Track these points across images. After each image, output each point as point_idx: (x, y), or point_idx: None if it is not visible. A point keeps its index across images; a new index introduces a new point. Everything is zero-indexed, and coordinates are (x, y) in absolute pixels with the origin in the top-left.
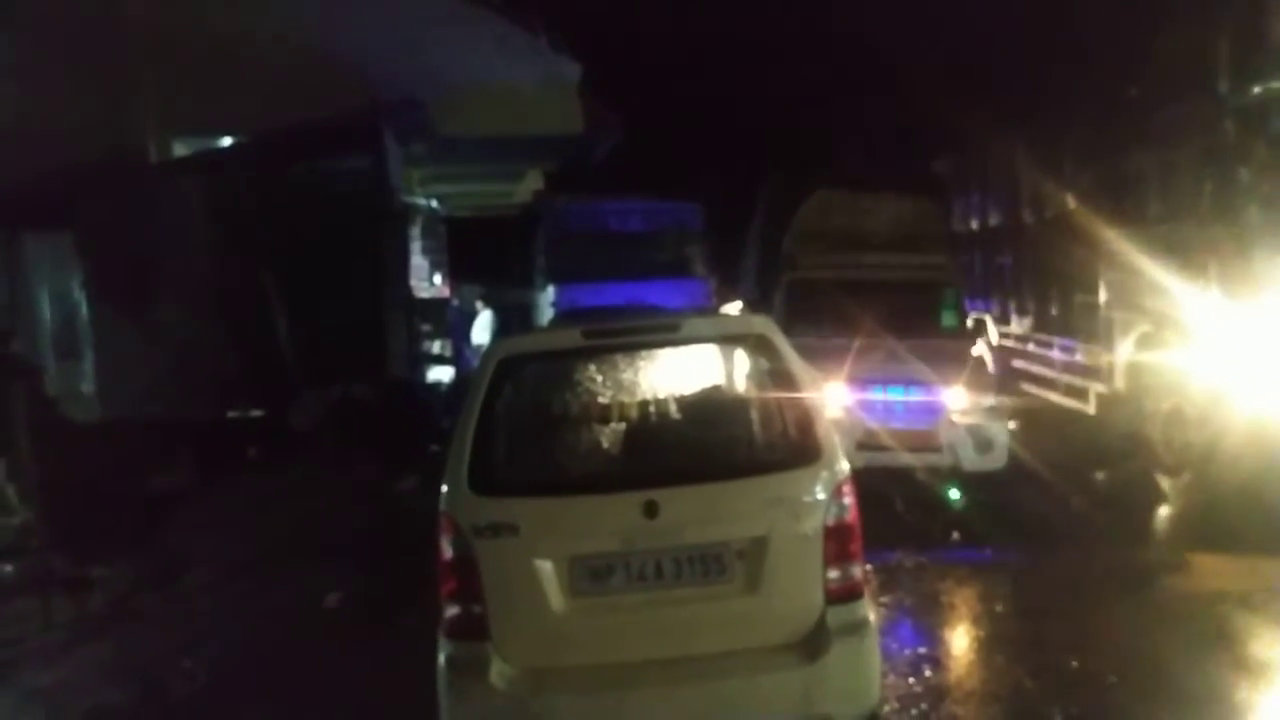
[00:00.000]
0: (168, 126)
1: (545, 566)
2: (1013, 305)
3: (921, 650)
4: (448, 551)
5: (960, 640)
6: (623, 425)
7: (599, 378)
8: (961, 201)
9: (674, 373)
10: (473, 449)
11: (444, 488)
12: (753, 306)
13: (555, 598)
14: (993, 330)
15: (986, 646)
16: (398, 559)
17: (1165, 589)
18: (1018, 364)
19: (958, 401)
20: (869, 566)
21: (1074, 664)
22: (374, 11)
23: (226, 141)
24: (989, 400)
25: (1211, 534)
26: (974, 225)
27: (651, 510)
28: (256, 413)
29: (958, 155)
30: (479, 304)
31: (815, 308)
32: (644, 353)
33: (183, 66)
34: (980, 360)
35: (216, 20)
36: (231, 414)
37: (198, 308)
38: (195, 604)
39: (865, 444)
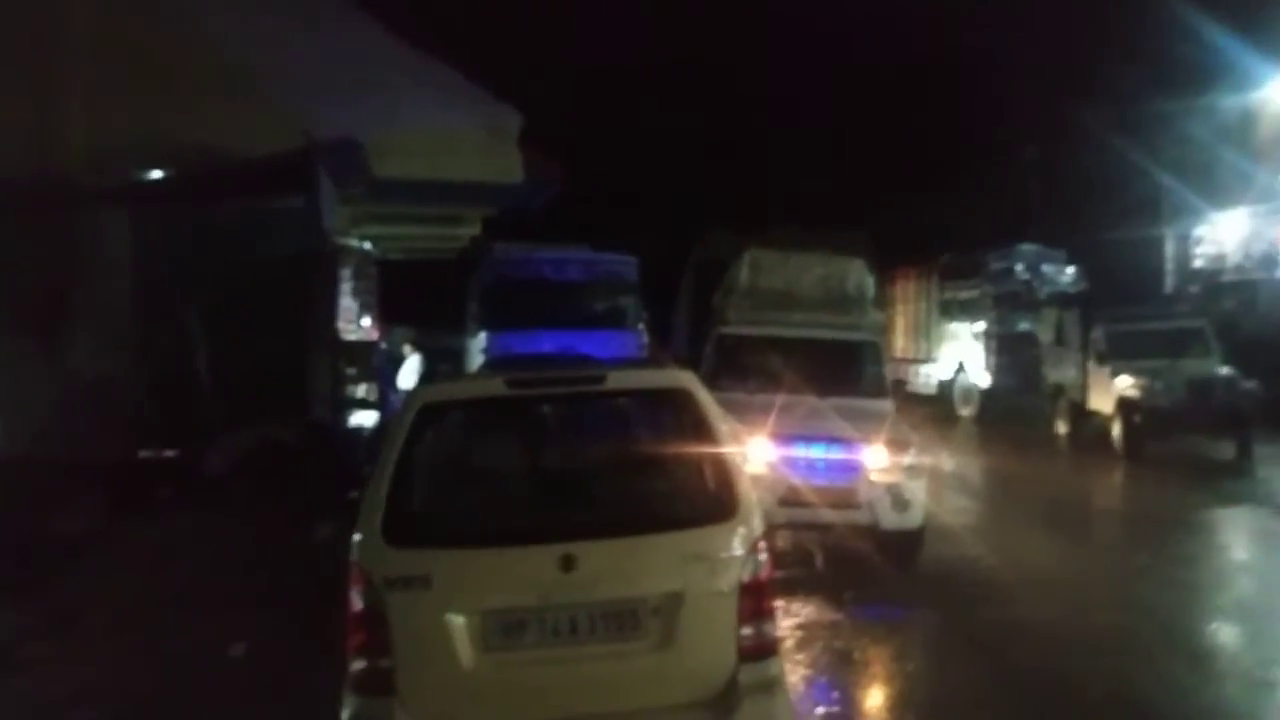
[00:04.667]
0: (96, 155)
1: (457, 620)
2: None
3: (835, 709)
4: (357, 603)
5: (873, 699)
6: (542, 477)
7: (521, 428)
8: None
9: (596, 425)
10: (388, 498)
11: (356, 537)
12: (682, 360)
13: (466, 653)
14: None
15: (899, 705)
16: (309, 609)
17: (1072, 644)
18: None
19: (877, 460)
20: (788, 622)
21: None
22: (314, 51)
23: (156, 174)
24: (907, 459)
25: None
26: None
27: (568, 564)
28: (170, 453)
29: None
30: (407, 348)
31: (742, 363)
32: (567, 404)
33: (115, 97)
34: (899, 419)
35: (151, 53)
36: (144, 454)
37: (113, 342)
38: (89, 653)
39: (787, 500)
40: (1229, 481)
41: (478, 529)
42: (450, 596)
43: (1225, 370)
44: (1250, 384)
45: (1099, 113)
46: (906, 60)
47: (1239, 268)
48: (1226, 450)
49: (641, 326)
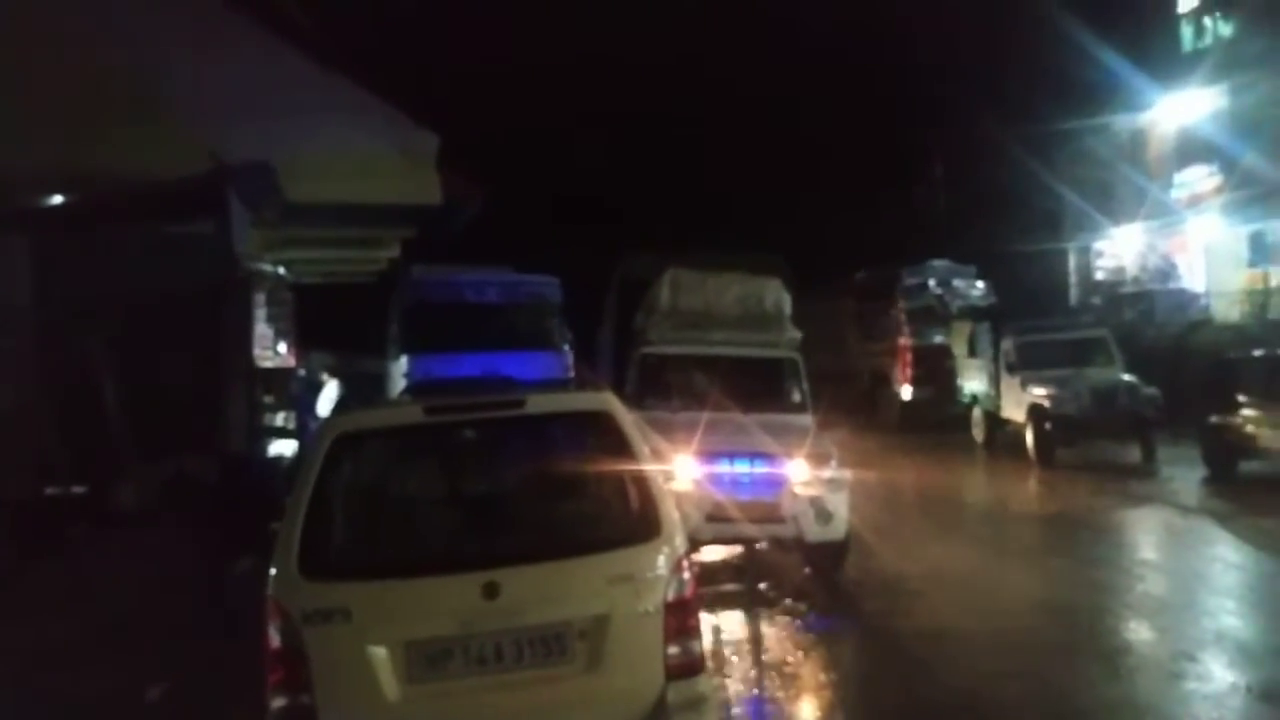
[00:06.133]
0: None
1: (379, 653)
2: None
3: None
4: (274, 639)
5: (804, 710)
6: (463, 503)
7: (440, 455)
8: None
9: (517, 449)
10: (303, 531)
11: (272, 571)
12: (607, 381)
13: (390, 686)
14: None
15: (829, 715)
16: (229, 647)
17: (990, 647)
18: None
19: (800, 474)
20: (719, 637)
21: None
22: (221, 72)
23: (57, 200)
24: (829, 472)
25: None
26: None
27: (491, 591)
28: (78, 490)
29: None
30: (324, 375)
31: (666, 382)
32: (487, 429)
33: (11, 120)
34: (821, 433)
35: (51, 76)
36: (50, 491)
37: (13, 375)
38: None
39: (713, 516)
40: (1135, 483)
41: (398, 559)
42: (371, 629)
43: (1127, 378)
44: (1151, 390)
45: (1003, 130)
46: (816, 82)
47: (1137, 280)
48: (1132, 454)
49: (566, 347)
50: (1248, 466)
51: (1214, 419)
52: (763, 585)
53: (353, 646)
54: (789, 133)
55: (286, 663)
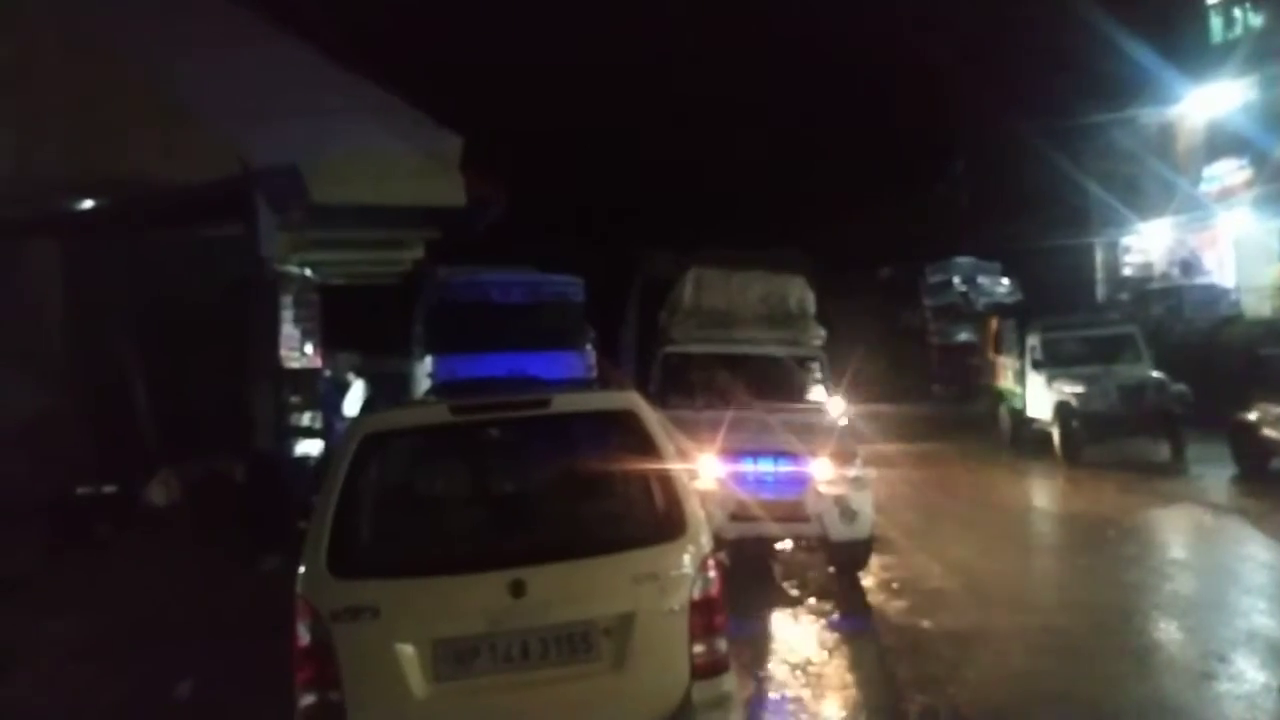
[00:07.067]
0: (23, 186)
1: (407, 650)
2: None
3: None
4: (304, 637)
5: (828, 710)
6: (490, 502)
7: (467, 454)
8: None
9: (543, 448)
10: (332, 529)
11: (301, 569)
12: (631, 379)
13: (417, 683)
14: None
15: (853, 716)
16: (257, 644)
17: (1018, 648)
18: None
19: (824, 472)
20: (742, 636)
21: None
22: (248, 77)
23: (88, 204)
24: (853, 471)
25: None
26: None
27: (518, 589)
28: (109, 488)
29: None
30: (351, 375)
31: (689, 381)
32: (513, 429)
33: (43, 127)
34: (845, 431)
35: (81, 83)
36: (81, 490)
37: (47, 377)
38: (26, 698)
39: (737, 515)
40: (1164, 481)
41: (425, 557)
42: (399, 626)
43: (1156, 374)
44: (1180, 387)
45: (1029, 125)
46: (839, 78)
47: (1165, 275)
48: (1161, 451)
49: (589, 347)
50: (1279, 464)
51: (1244, 416)
52: (787, 584)
53: (381, 644)
54: (813, 130)
55: (315, 660)
